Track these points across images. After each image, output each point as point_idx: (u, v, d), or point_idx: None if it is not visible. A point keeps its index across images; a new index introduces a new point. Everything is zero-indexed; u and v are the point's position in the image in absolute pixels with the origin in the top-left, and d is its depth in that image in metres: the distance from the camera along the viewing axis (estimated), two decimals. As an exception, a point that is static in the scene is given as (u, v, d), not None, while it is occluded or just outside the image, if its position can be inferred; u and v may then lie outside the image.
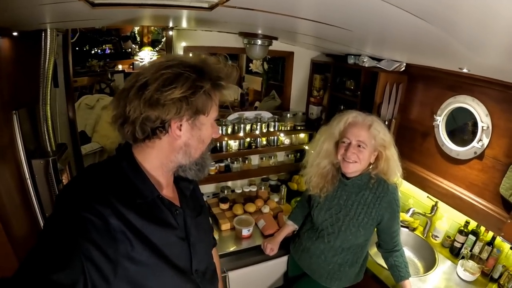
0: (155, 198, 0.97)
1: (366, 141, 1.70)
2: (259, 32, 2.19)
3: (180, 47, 2.44)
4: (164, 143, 0.95)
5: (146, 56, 7.01)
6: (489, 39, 1.10)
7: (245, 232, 2.29)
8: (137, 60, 6.87)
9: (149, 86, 0.86)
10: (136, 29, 7.09)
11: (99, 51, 6.86)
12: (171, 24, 2.28)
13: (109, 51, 6.97)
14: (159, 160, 0.98)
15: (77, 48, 6.36)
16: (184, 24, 2.26)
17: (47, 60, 1.80)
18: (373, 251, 2.09)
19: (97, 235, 0.81)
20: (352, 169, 1.73)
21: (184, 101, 0.88)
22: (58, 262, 0.73)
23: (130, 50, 7.13)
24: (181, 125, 0.93)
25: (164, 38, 3.12)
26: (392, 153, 1.74)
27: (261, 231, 2.38)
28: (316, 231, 1.93)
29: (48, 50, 1.78)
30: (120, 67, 6.71)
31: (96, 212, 0.82)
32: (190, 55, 2.18)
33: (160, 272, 0.95)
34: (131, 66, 6.76)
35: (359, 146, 1.70)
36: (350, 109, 1.83)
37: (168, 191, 1.07)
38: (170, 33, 2.38)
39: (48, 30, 1.74)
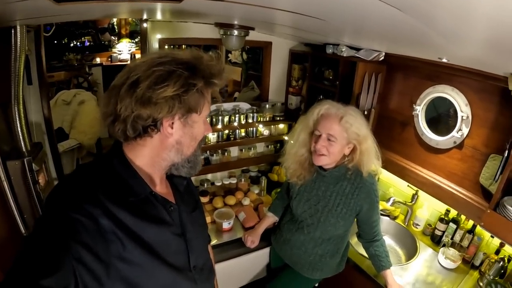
0: (148, 195, 0.95)
1: (337, 134, 1.61)
2: (235, 22, 2.07)
3: (155, 39, 2.30)
4: (156, 141, 0.93)
5: (124, 48, 6.76)
6: (467, 31, 1.04)
7: (226, 225, 2.23)
8: (115, 53, 6.63)
9: (140, 83, 0.83)
10: (114, 20, 6.81)
11: (78, 43, 6.55)
12: (145, 16, 2.14)
13: (88, 44, 6.67)
14: (150, 158, 0.96)
15: (55, 42, 6.07)
16: (158, 15, 2.12)
17: (18, 58, 1.71)
18: (354, 240, 2.03)
19: (88, 237, 0.78)
20: (321, 162, 1.68)
21: (177, 99, 0.86)
22: (48, 267, 0.71)
23: (108, 42, 6.86)
24: (173, 123, 0.91)
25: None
26: (367, 147, 1.65)
27: (242, 223, 2.32)
28: (296, 223, 1.88)
29: (18, 48, 1.69)
30: (98, 60, 6.43)
31: (86, 212, 0.80)
32: (171, 48, 2.06)
33: (154, 270, 0.92)
34: (109, 59, 6.49)
35: (329, 139, 1.62)
36: (327, 99, 1.74)
37: (161, 188, 1.04)
38: (145, 25, 2.23)
39: (18, 27, 1.64)
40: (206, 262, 1.18)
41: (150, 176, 0.99)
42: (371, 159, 1.67)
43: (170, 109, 0.86)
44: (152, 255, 0.91)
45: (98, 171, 0.92)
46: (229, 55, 3.99)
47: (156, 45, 2.31)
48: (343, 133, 1.61)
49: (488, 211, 1.56)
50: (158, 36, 2.30)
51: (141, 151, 0.94)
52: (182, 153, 0.98)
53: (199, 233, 1.16)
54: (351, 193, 1.71)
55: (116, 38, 6.86)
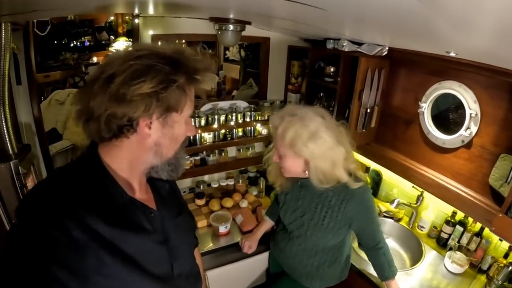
0: (126, 202, 0.88)
1: (284, 148, 1.44)
2: (231, 16, 1.97)
3: (147, 36, 2.21)
4: (133, 142, 0.85)
5: (121, 46, 6.62)
6: (478, 18, 0.93)
7: (222, 229, 2.14)
8: (112, 52, 6.52)
9: (115, 78, 0.76)
10: (111, 18, 6.69)
11: (78, 43, 6.44)
12: (137, 11, 2.04)
13: (88, 44, 6.56)
14: (128, 161, 0.89)
15: (55, 42, 5.96)
16: (150, 9, 2.03)
17: (2, 57, 1.60)
18: (356, 244, 1.94)
19: (63, 253, 0.73)
20: (285, 174, 1.55)
21: (154, 97, 0.78)
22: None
23: (106, 41, 6.74)
24: (151, 123, 0.83)
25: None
26: (319, 165, 1.42)
27: (239, 227, 2.24)
28: (287, 232, 1.77)
29: (3, 46, 1.58)
30: (95, 59, 6.32)
31: (60, 226, 0.74)
32: (160, 43, 1.99)
33: (134, 282, 0.87)
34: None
35: (279, 153, 1.49)
36: (290, 104, 1.63)
37: (141, 193, 0.97)
38: (136, 21, 2.14)
39: (2, 25, 1.53)
40: (192, 269, 1.14)
41: (128, 181, 0.92)
42: (330, 176, 1.45)
43: (147, 108, 0.78)
44: (132, 267, 0.85)
45: (72, 178, 0.84)
46: (227, 52, 3.88)
47: (149, 41, 2.22)
48: (291, 147, 1.42)
49: (500, 215, 1.46)
50: (151, 32, 2.21)
51: (117, 154, 0.87)
52: (161, 156, 0.91)
53: (184, 239, 1.10)
54: (337, 205, 1.53)
55: (113, 37, 6.75)
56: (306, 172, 1.51)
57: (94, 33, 6.61)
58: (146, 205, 0.94)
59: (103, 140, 0.85)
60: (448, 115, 1.82)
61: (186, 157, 2.42)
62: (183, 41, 2.36)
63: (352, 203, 1.51)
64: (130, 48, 0.84)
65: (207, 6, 1.57)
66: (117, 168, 0.88)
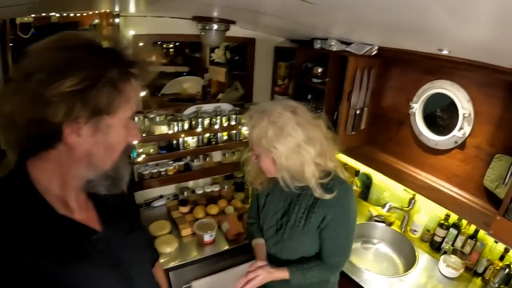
0: (61, 226, 0.73)
1: (255, 147, 1.32)
2: (215, 15, 1.88)
3: (128, 36, 2.08)
4: (62, 153, 0.70)
5: (105, 50, 6.46)
6: (478, 4, 0.86)
7: (207, 237, 2.04)
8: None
9: (33, 76, 0.62)
10: (96, 21, 6.50)
11: None
12: (117, 9, 1.92)
13: None
14: (59, 176, 0.73)
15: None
16: (131, 8, 1.91)
17: None
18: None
19: None
20: (267, 174, 1.39)
21: (78, 97, 0.63)
22: None
23: None
24: (78, 129, 0.67)
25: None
26: (285, 164, 1.27)
27: (225, 235, 2.13)
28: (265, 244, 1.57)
29: None
30: None
31: None
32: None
33: None
34: None
35: (255, 153, 1.37)
36: (261, 102, 1.47)
37: (81, 213, 0.80)
38: (117, 20, 2.02)
39: None
40: None
41: (64, 199, 0.76)
42: (305, 169, 1.28)
43: (69, 111, 0.63)
44: None
45: None
46: (212, 54, 3.78)
47: (129, 42, 2.10)
48: (259, 145, 1.29)
49: (498, 218, 1.40)
50: (132, 32, 2.09)
51: (46, 168, 0.72)
52: (96, 168, 0.75)
53: (140, 258, 0.96)
54: (313, 206, 1.35)
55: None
56: None
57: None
58: (87, 227, 0.79)
59: (28, 151, 0.71)
60: (440, 115, 1.76)
61: (170, 162, 2.31)
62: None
63: (327, 203, 1.31)
64: (54, 37, 0.68)
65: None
66: (48, 185, 0.73)
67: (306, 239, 1.39)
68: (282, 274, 1.39)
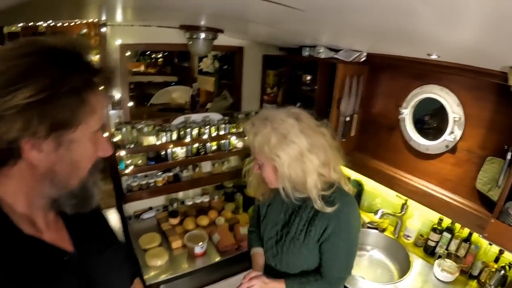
0: (29, 247, 0.66)
1: (258, 156, 1.27)
2: (202, 23, 1.85)
3: (115, 45, 2.05)
4: (24, 170, 0.64)
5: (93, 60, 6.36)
6: (468, 5, 0.85)
7: (198, 249, 1.97)
8: None
9: None
10: (84, 31, 6.38)
11: None
12: (104, 17, 1.88)
13: None
14: (24, 195, 0.67)
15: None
16: (118, 16, 1.87)
17: None
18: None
19: None
20: (270, 185, 1.34)
21: (35, 110, 0.57)
22: None
23: None
24: (38, 145, 0.61)
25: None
26: (287, 173, 1.21)
27: (216, 246, 2.07)
28: (264, 254, 1.52)
29: None
30: None
31: None
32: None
33: None
34: None
35: (258, 163, 1.31)
36: (265, 108, 1.42)
37: (50, 232, 0.74)
38: (104, 29, 1.97)
39: None
40: None
41: (31, 219, 0.70)
42: (308, 179, 1.21)
43: (26, 125, 0.57)
44: None
45: None
46: (200, 64, 3.74)
47: (117, 52, 2.05)
48: (261, 153, 1.24)
49: (492, 221, 1.39)
50: (119, 41, 2.05)
51: (10, 185, 0.66)
52: (60, 186, 0.68)
53: (117, 277, 0.90)
54: (314, 217, 1.28)
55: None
56: None
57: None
58: (57, 248, 0.73)
59: None
60: (430, 120, 1.76)
61: (159, 173, 2.25)
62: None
63: (328, 215, 1.24)
64: (11, 44, 0.62)
65: (179, 6, 1.42)
66: (13, 203, 0.66)
67: (306, 252, 1.32)
68: (278, 286, 1.32)
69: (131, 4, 1.52)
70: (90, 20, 2.04)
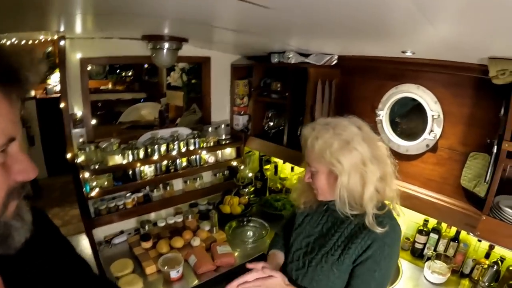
0: None
1: (315, 162, 1.18)
2: (165, 32, 1.70)
3: (75, 59, 1.87)
4: None
5: (57, 79, 6.00)
6: None
7: (174, 274, 1.78)
8: (50, 84, 5.84)
9: None
10: (50, 49, 6.02)
11: None
12: (62, 28, 1.69)
13: None
14: None
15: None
16: (77, 27, 1.68)
17: None
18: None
19: None
20: (320, 197, 1.24)
21: None
22: None
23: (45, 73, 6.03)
24: None
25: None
26: (347, 181, 1.11)
27: (193, 269, 1.88)
28: (286, 267, 1.37)
29: None
30: (32, 93, 5.58)
31: None
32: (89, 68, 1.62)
33: None
34: (45, 91, 5.68)
35: (311, 170, 1.21)
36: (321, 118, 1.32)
37: None
38: (62, 42, 1.79)
39: None
40: None
41: None
42: (365, 191, 1.11)
43: None
44: None
45: None
46: (168, 78, 3.57)
47: (76, 66, 1.88)
48: (320, 158, 1.14)
49: (484, 218, 1.30)
50: (79, 55, 1.88)
51: None
52: None
53: None
54: (355, 236, 1.15)
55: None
56: None
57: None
58: None
59: None
60: (409, 120, 1.68)
61: (128, 194, 2.05)
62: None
63: (372, 236, 1.12)
64: None
65: (139, 9, 1.25)
66: None
67: (336, 272, 1.18)
68: None
69: (88, 10, 1.35)
70: (55, 38, 1.84)
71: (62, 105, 1.88)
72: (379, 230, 1.09)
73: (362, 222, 1.13)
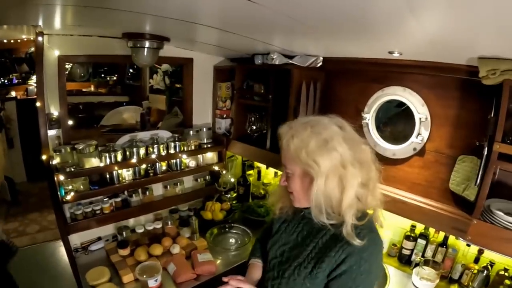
0: None
1: (290, 162, 1.07)
2: (146, 29, 1.61)
3: (53, 57, 1.77)
4: None
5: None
6: None
7: (152, 283, 1.66)
8: (32, 85, 5.61)
9: None
10: (32, 49, 5.80)
11: (6, 81, 5.38)
12: (40, 22, 1.58)
13: (16, 81, 5.51)
14: None
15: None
16: (56, 22, 1.58)
17: None
18: None
19: None
20: (296, 203, 1.13)
21: None
22: None
23: (27, 74, 5.79)
24: None
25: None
26: (323, 185, 0.99)
27: (172, 278, 1.77)
28: (264, 277, 1.27)
29: None
30: (13, 93, 5.35)
31: None
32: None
33: None
34: (26, 92, 5.46)
35: (287, 172, 1.10)
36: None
37: None
38: (40, 39, 1.68)
39: None
40: None
41: None
42: (344, 197, 0.99)
43: None
44: None
45: None
46: (150, 80, 3.46)
47: (54, 64, 1.77)
48: (295, 158, 1.03)
49: (475, 222, 1.25)
50: (57, 53, 1.78)
51: None
52: None
53: None
54: (329, 249, 1.03)
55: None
56: None
57: (13, 65, 5.63)
58: None
59: None
60: (395, 123, 1.63)
61: (105, 199, 1.93)
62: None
63: (347, 250, 1.00)
64: None
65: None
66: None
67: (309, 285, 1.06)
68: None
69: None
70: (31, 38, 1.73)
71: (38, 104, 1.76)
72: (356, 242, 0.97)
73: (339, 232, 1.01)
